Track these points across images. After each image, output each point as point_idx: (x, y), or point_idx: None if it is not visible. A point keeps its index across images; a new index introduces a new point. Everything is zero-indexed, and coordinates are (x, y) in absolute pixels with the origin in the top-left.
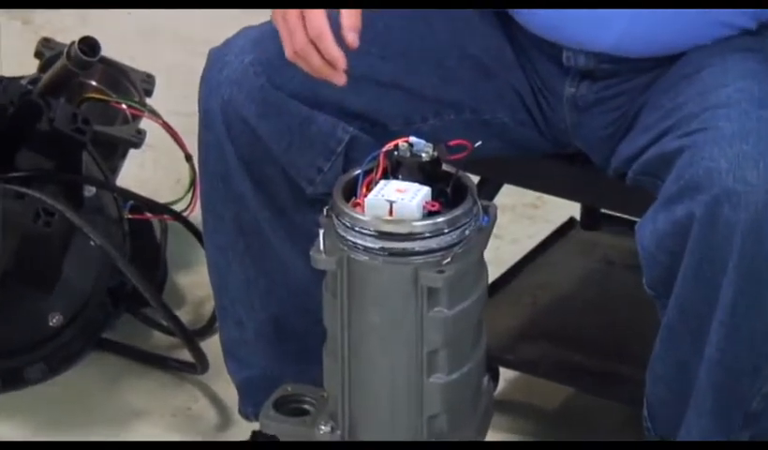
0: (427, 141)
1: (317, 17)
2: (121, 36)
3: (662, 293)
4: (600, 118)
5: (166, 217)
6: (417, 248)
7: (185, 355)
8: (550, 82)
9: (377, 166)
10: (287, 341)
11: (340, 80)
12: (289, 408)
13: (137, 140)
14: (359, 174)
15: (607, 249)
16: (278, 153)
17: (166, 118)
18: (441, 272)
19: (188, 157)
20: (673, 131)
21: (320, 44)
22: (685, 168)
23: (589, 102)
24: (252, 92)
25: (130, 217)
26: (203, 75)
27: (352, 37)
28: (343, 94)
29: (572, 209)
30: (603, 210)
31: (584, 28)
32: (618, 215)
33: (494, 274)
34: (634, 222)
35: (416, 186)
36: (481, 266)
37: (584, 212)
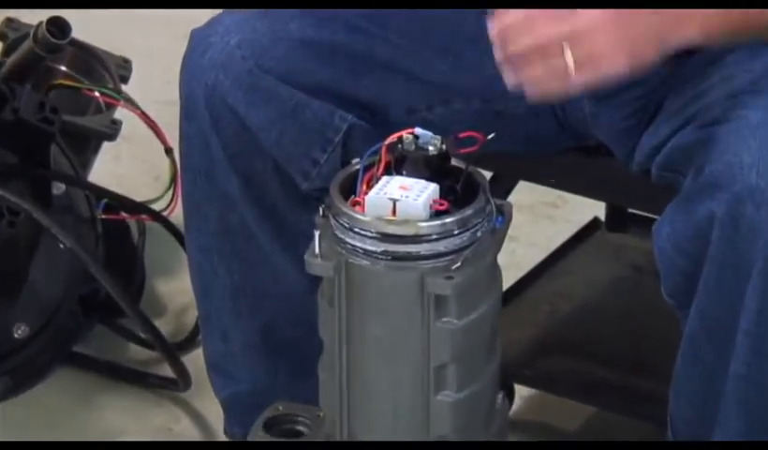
0: (434, 132)
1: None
2: (94, 16)
3: (683, 302)
4: (621, 108)
5: (144, 216)
6: (423, 252)
7: (166, 370)
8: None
9: (379, 160)
10: (278, 355)
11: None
12: (281, 429)
13: (111, 131)
14: (358, 170)
15: (635, 254)
16: (269, 144)
17: (144, 107)
18: (450, 278)
19: (169, 151)
20: (695, 121)
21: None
22: (704, 162)
23: (609, 90)
24: (239, 76)
25: (104, 217)
26: (184, 58)
27: None
28: (340, 78)
29: (596, 209)
30: (631, 210)
31: None
32: (648, 215)
33: (509, 280)
34: None
35: (422, 182)
36: (495, 272)
37: (610, 212)
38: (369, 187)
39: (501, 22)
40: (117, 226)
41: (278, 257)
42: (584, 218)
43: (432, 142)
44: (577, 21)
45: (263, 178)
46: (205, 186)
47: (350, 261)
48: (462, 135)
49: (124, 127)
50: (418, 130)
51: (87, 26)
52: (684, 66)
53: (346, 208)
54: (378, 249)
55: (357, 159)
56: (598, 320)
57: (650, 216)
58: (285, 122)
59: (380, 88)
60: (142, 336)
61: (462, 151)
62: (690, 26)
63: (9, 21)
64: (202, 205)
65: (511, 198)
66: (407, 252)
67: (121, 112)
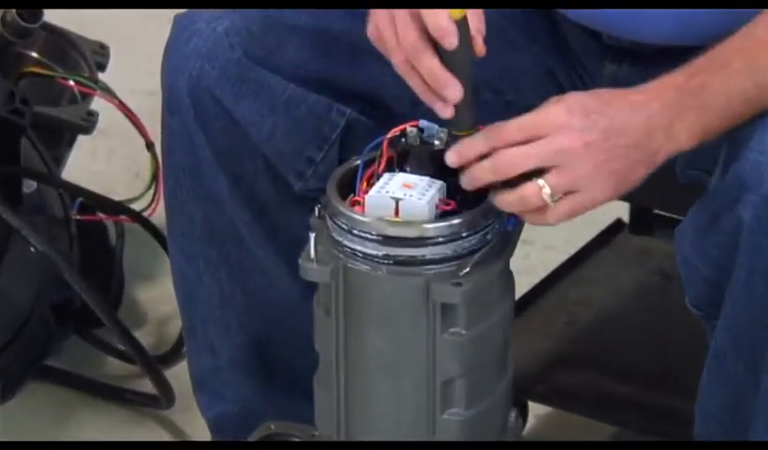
0: (440, 125)
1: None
2: None
3: (709, 313)
4: None
5: (122, 217)
6: (428, 256)
7: (147, 386)
8: (586, 58)
9: (380, 156)
10: (270, 370)
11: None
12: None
13: (87, 124)
14: (358, 166)
15: (661, 259)
16: (259, 141)
17: (123, 97)
18: (458, 285)
19: (150, 146)
20: None
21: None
22: (730, 160)
23: (633, 83)
24: (227, 66)
25: (79, 217)
26: (167, 46)
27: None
28: (338, 68)
29: (619, 210)
30: (657, 211)
31: (628, 20)
32: (675, 216)
33: (522, 287)
34: None
35: (427, 180)
36: (507, 278)
37: (634, 213)
38: (369, 185)
39: (460, 156)
40: (93, 227)
41: (270, 262)
42: (606, 220)
43: (438, 136)
44: (550, 146)
45: (253, 177)
46: (190, 185)
47: (349, 265)
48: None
49: (101, 119)
50: (422, 123)
51: (60, 9)
52: None
53: (344, 208)
54: (379, 253)
55: (356, 156)
56: (620, 331)
57: (677, 217)
58: (277, 117)
59: (382, 79)
60: (121, 348)
61: None
62: (679, 137)
63: None
64: (187, 206)
65: None
66: (411, 256)
67: (98, 103)
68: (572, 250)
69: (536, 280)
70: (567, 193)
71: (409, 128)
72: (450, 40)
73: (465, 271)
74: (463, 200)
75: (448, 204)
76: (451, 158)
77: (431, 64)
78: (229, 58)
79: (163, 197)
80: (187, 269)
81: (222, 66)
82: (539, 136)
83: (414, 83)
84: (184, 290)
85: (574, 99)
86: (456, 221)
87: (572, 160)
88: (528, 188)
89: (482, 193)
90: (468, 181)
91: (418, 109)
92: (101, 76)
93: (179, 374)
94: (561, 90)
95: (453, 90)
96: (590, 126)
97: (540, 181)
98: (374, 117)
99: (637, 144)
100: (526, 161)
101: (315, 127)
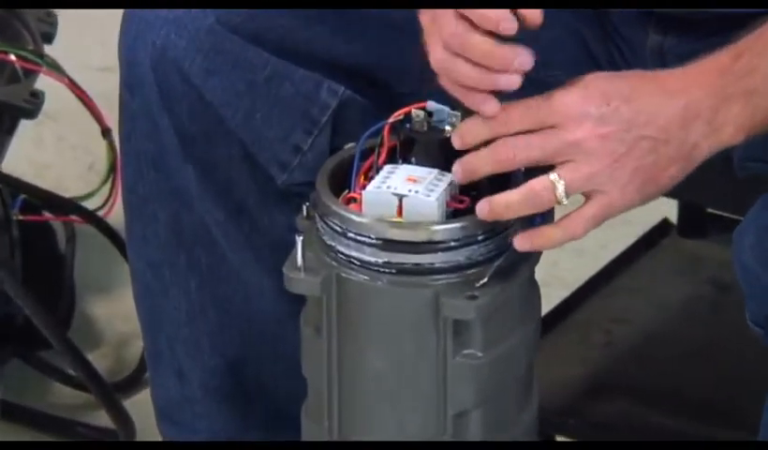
0: (451, 107)
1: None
2: None
3: None
4: None
5: (73, 218)
6: (437, 264)
7: (102, 418)
8: (625, 27)
9: (380, 144)
10: (248, 398)
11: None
12: None
13: (31, 106)
14: (353, 157)
15: (715, 267)
16: (235, 125)
17: (74, 75)
18: (473, 298)
19: (106, 132)
20: None
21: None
22: None
23: (682, 55)
24: (197, 35)
25: (21, 218)
26: (126, 11)
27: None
28: (329, 38)
29: (666, 208)
30: (710, 210)
31: None
32: (732, 216)
33: (550, 300)
34: None
35: (435, 173)
36: (532, 290)
37: (683, 212)
38: (367, 178)
39: (461, 140)
40: (39, 229)
41: (248, 271)
42: (649, 220)
43: (449, 120)
44: (559, 136)
45: (228, 169)
46: (153, 178)
47: (343, 275)
48: None
49: (47, 100)
50: (431, 105)
51: None
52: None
53: (337, 207)
54: (379, 260)
55: (351, 144)
56: (666, 353)
57: (735, 217)
58: (256, 96)
59: (381, 53)
60: (72, 373)
61: None
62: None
63: None
64: (149, 203)
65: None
66: (417, 264)
67: (44, 82)
68: (609, 257)
69: (566, 293)
70: (585, 194)
71: (415, 112)
72: (508, 25)
73: (481, 282)
74: (478, 196)
75: (461, 202)
76: (454, 141)
77: (484, 42)
78: (200, 25)
79: (121, 193)
80: (150, 279)
81: (191, 34)
82: (548, 124)
83: (461, 74)
84: (146, 304)
85: (594, 82)
86: (470, 222)
87: (585, 155)
88: (537, 183)
89: (502, 188)
90: (462, 172)
91: (423, 88)
92: (48, 49)
93: (140, 404)
94: (596, 64)
95: (525, 55)
96: (609, 114)
97: (552, 175)
98: (372, 97)
99: (669, 138)
100: (529, 153)
101: (301, 108)
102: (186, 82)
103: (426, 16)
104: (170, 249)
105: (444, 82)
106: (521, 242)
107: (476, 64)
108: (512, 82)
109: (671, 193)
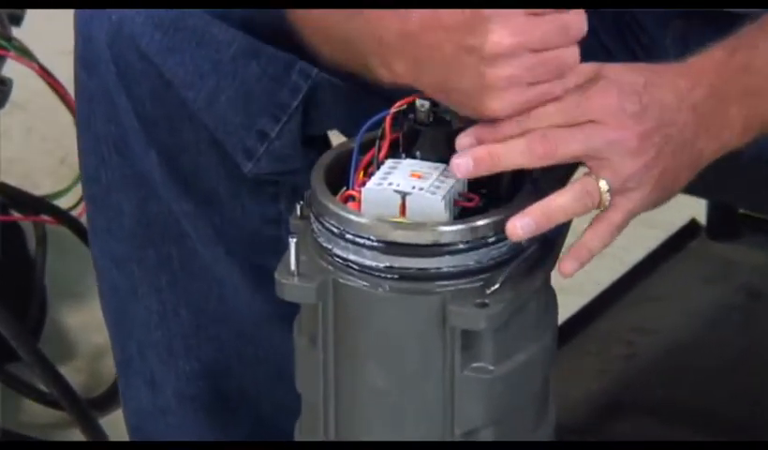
0: None
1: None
2: None
3: None
4: None
5: (44, 217)
6: (445, 269)
7: (76, 438)
8: (644, 14)
9: (381, 137)
10: (228, 408)
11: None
12: None
13: None
14: (352, 151)
15: (748, 272)
16: (197, 108)
17: (44, 61)
18: (483, 306)
19: None
20: None
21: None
22: None
23: (707, 44)
24: (156, 10)
25: None
26: None
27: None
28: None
29: (694, 208)
30: (743, 210)
31: None
32: (766, 218)
33: (568, 309)
34: None
35: (442, 168)
36: (547, 298)
37: (713, 213)
38: (367, 174)
39: (479, 141)
40: (6, 231)
41: (221, 267)
42: (677, 221)
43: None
44: (601, 134)
45: (195, 156)
46: (117, 164)
47: (341, 281)
48: None
49: (15, 88)
50: None
51: None
52: None
53: (334, 205)
54: (381, 265)
55: (351, 139)
56: (694, 367)
57: None
58: (220, 76)
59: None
60: (43, 389)
61: None
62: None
63: None
64: (113, 192)
65: None
66: (422, 269)
67: (11, 68)
68: (632, 261)
69: (584, 301)
70: (616, 195)
71: (419, 101)
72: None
73: (492, 288)
74: (489, 193)
75: (470, 200)
76: (462, 142)
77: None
78: None
79: (81, 181)
80: (117, 277)
81: (150, 10)
82: (585, 120)
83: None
84: (113, 305)
85: (622, 76)
86: (481, 222)
87: (622, 155)
88: (586, 183)
89: (514, 184)
90: (479, 161)
91: None
92: (16, 32)
93: (118, 422)
94: (608, 52)
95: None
96: (643, 112)
97: (593, 175)
98: (350, 79)
99: (684, 143)
100: (570, 147)
101: (269, 91)
102: (145, 61)
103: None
104: (138, 243)
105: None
106: (569, 266)
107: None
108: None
109: (700, 192)
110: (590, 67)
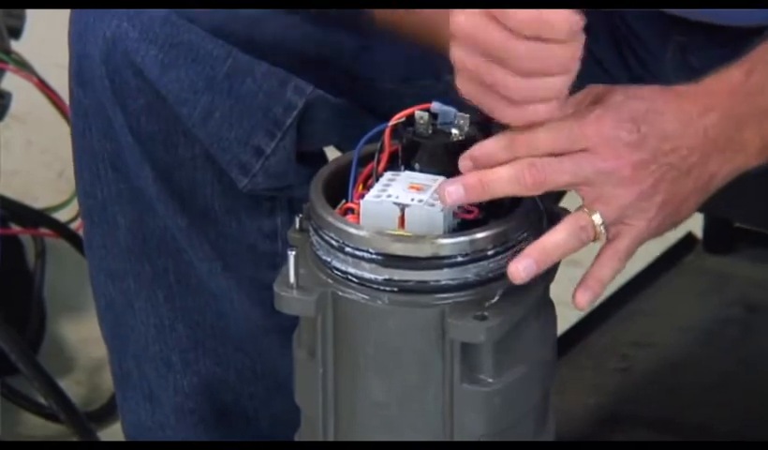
0: (459, 109)
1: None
2: None
3: None
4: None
5: (43, 230)
6: (444, 281)
7: None
8: (642, 26)
9: (380, 149)
10: (227, 422)
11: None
12: None
13: None
14: (351, 163)
15: (745, 286)
16: (192, 124)
17: (43, 74)
18: (483, 319)
19: None
20: None
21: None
22: None
23: (709, 60)
24: (151, 26)
25: None
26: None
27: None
28: (303, 30)
29: (690, 222)
30: (739, 224)
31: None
32: (762, 231)
33: (566, 322)
34: None
35: (441, 180)
36: (547, 310)
37: (709, 226)
38: (366, 187)
39: (475, 162)
40: (5, 244)
41: (218, 283)
42: (673, 235)
43: (457, 123)
44: (591, 162)
45: (190, 171)
46: (112, 179)
47: (340, 293)
48: None
49: (14, 101)
50: (436, 106)
51: None
52: None
53: (333, 218)
54: (380, 277)
55: (349, 152)
56: (691, 381)
57: (765, 231)
58: (215, 93)
59: (362, 44)
60: (42, 402)
61: None
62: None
63: None
64: (109, 207)
65: (569, 201)
66: (422, 281)
67: (10, 81)
68: (630, 273)
69: (582, 314)
70: (612, 227)
71: (418, 113)
72: (580, 25)
73: (491, 301)
74: (488, 206)
75: (469, 212)
76: (463, 165)
77: (537, 49)
78: (155, 15)
79: (77, 196)
80: (113, 292)
81: (145, 25)
82: (578, 148)
83: (509, 88)
84: (110, 319)
85: (619, 101)
86: (480, 235)
87: (615, 185)
88: (579, 218)
89: (514, 197)
90: (470, 188)
91: (412, 84)
92: (15, 45)
93: (116, 435)
94: (603, 67)
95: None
96: (639, 141)
97: (586, 209)
98: (347, 95)
99: (690, 169)
100: (560, 177)
101: (264, 107)
102: (140, 77)
103: (461, 20)
104: (134, 259)
105: (474, 91)
106: (583, 298)
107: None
108: (570, 78)
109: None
110: (590, 93)
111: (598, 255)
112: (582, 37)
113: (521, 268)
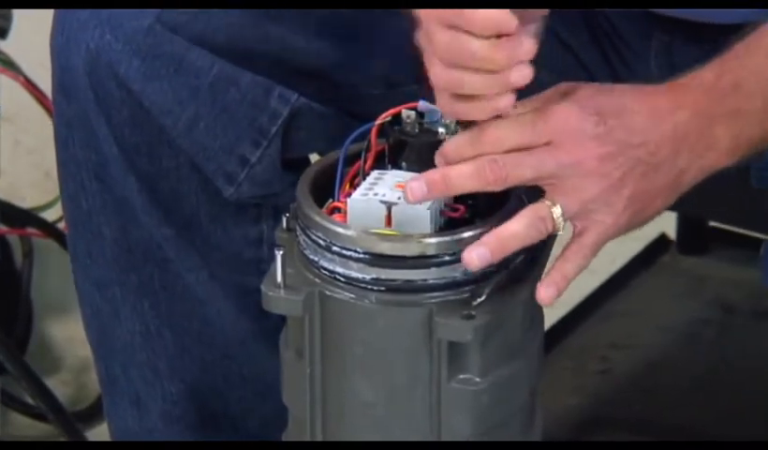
0: None
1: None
2: None
3: None
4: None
5: (30, 230)
6: (431, 280)
7: None
8: (625, 25)
9: (367, 148)
10: (216, 428)
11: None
12: None
13: None
14: (337, 162)
15: (721, 287)
16: (176, 135)
17: (30, 73)
18: (470, 318)
19: None
20: None
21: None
22: None
23: (693, 58)
24: (134, 36)
25: None
26: (56, 11)
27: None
28: (283, 37)
29: (665, 222)
30: (714, 223)
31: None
32: (741, 231)
33: (552, 322)
34: None
35: None
36: (534, 309)
37: (683, 226)
38: (353, 186)
39: (445, 159)
40: None
41: (205, 290)
42: (647, 235)
43: (442, 121)
44: (554, 155)
45: (175, 181)
46: (96, 189)
47: (327, 293)
48: None
49: (1, 101)
50: (422, 105)
51: None
52: None
53: (320, 217)
54: (367, 277)
55: (336, 150)
56: (668, 381)
57: (745, 233)
58: (199, 103)
59: (346, 51)
60: (29, 402)
61: None
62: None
63: None
64: (94, 217)
65: None
66: (409, 281)
67: None
68: (607, 274)
69: (562, 314)
70: (577, 221)
71: (405, 112)
72: (513, 24)
73: (479, 300)
74: (475, 204)
75: (455, 211)
76: (437, 161)
77: (481, 46)
78: (138, 26)
79: (62, 202)
80: (99, 301)
81: (128, 35)
82: (542, 142)
83: (467, 85)
84: (95, 327)
85: (587, 95)
86: (467, 234)
87: (581, 177)
88: (538, 209)
89: (501, 196)
90: (434, 184)
91: (396, 91)
92: (2, 45)
93: (104, 435)
94: (583, 65)
95: (527, 42)
96: (606, 134)
97: (548, 200)
98: (331, 103)
99: (659, 163)
100: (522, 173)
101: (249, 116)
102: (123, 88)
103: (420, 35)
104: (119, 268)
105: (445, 101)
106: (546, 293)
107: (477, 70)
108: (525, 74)
109: (670, 206)
110: (558, 89)
111: (564, 250)
112: (525, 38)
113: (474, 256)
